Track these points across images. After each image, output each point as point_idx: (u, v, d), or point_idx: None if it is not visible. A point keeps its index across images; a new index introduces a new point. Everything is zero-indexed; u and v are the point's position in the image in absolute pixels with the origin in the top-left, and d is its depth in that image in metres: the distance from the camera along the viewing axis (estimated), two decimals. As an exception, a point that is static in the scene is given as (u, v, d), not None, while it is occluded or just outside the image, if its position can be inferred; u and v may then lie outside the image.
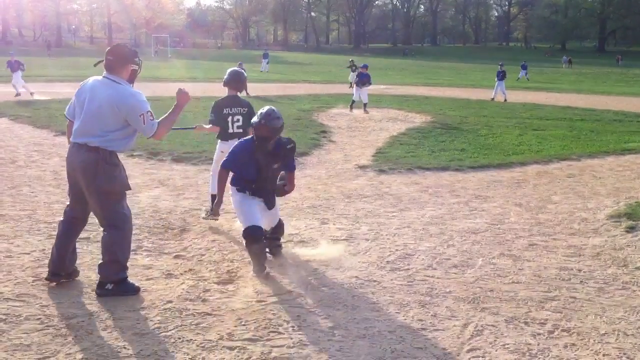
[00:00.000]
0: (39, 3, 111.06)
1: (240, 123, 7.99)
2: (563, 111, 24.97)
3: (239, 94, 8.30)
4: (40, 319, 5.03)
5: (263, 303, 5.53)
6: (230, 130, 8.02)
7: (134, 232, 7.46)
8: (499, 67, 30.95)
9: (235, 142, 7.79)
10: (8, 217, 7.97)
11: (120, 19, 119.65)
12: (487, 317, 5.36)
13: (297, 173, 11.40)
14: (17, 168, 11.06)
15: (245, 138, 6.68)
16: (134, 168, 11.39)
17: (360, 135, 16.86)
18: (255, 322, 5.12)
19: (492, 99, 30.02)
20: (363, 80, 22.92)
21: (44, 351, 4.53)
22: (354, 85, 23.75)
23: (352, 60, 38.17)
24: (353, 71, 36.10)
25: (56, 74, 36.78)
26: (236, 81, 8.20)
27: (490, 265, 6.72)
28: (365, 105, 22.82)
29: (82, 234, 7.26)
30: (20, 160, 11.69)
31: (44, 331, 4.83)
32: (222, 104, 8.11)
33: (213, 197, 7.99)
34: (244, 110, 8.03)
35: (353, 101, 22.92)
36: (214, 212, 7.11)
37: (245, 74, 25.11)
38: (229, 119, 7.99)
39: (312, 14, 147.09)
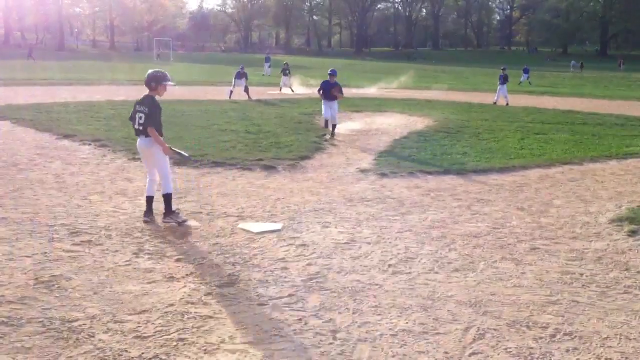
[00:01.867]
0: (41, 6, 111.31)
1: (142, 121, 8.06)
2: (565, 115, 24.95)
3: (157, 97, 8.29)
4: (41, 321, 5.03)
5: (264, 306, 5.53)
6: (135, 127, 8.13)
7: (135, 235, 7.50)
8: (501, 71, 30.95)
9: (143, 139, 8.10)
10: (10, 219, 7.98)
11: (122, 22, 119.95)
12: (488, 320, 5.36)
13: (299, 176, 11.51)
14: (19, 171, 11.07)
15: None
16: (136, 171, 11.40)
17: (362, 139, 16.85)
18: (256, 326, 5.12)
19: (494, 102, 30.02)
20: (330, 90, 17.12)
21: (45, 354, 4.52)
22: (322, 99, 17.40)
23: (286, 63, 37.40)
24: (285, 75, 35.61)
25: (59, 77, 36.84)
26: (148, 82, 8.20)
27: (492, 269, 6.72)
28: (334, 127, 17.22)
29: (84, 237, 7.32)
30: (22, 163, 11.70)
31: (46, 334, 4.83)
32: (136, 101, 8.31)
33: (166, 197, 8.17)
34: (145, 109, 8.07)
35: (326, 120, 17.47)
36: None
37: (247, 76, 24.57)
38: (136, 115, 8.11)
39: (314, 17, 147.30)
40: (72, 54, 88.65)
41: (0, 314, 5.13)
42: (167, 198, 8.14)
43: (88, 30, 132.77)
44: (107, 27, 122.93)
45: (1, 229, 7.56)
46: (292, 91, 34.07)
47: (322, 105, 17.31)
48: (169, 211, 8.14)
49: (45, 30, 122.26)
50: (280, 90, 34.32)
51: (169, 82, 8.22)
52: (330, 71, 17.29)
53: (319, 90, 17.40)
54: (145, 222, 8.13)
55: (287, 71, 35.61)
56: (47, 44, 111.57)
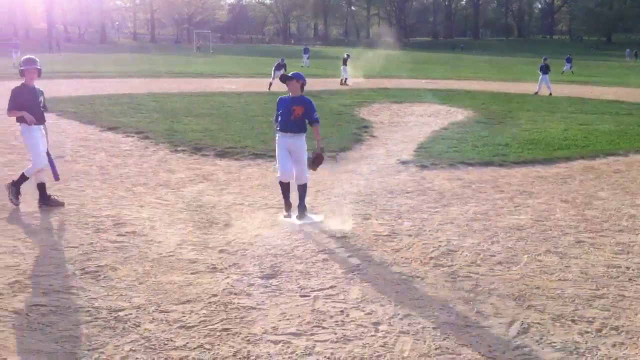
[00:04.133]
0: (83, 0, 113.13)
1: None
2: (609, 105, 24.48)
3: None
4: (89, 311, 5.14)
5: (307, 298, 5.56)
6: None
7: (179, 225, 7.59)
8: (543, 60, 30.50)
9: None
10: (56, 211, 8.15)
11: (162, 15, 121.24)
12: (533, 314, 5.30)
13: (339, 168, 11.49)
14: (64, 163, 11.27)
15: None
16: (178, 163, 11.53)
17: (402, 130, 16.77)
18: (298, 317, 5.14)
19: (536, 92, 29.62)
20: (290, 112, 8.11)
21: (92, 342, 4.61)
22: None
23: (347, 55, 35.94)
24: (345, 65, 34.85)
25: (101, 70, 37.41)
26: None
27: (536, 262, 6.64)
28: (302, 191, 8.30)
29: (128, 228, 7.44)
30: (67, 156, 11.91)
31: (93, 323, 4.92)
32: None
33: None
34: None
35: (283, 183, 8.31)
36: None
37: (286, 67, 23.68)
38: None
39: (353, 8, 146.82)
40: (114, 47, 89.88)
41: (49, 303, 5.26)
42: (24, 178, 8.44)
43: (129, 23, 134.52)
44: (147, 21, 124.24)
45: (49, 220, 7.73)
46: (343, 83, 33.70)
47: (277, 147, 8.27)
48: (16, 184, 8.41)
49: (87, 24, 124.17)
50: (343, 82, 33.90)
51: (28, 66, 8.31)
52: (293, 75, 8.28)
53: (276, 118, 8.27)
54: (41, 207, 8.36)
55: (346, 62, 35.02)
56: (89, 38, 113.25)
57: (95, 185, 9.69)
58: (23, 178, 8.40)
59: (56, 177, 8.56)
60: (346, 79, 34.13)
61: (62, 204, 8.39)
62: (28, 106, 8.24)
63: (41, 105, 8.43)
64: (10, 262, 6.21)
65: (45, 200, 8.39)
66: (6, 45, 47.75)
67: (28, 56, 8.54)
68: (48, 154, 8.47)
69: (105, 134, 14.54)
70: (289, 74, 8.33)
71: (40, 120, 8.37)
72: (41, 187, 8.44)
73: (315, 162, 8.12)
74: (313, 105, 8.19)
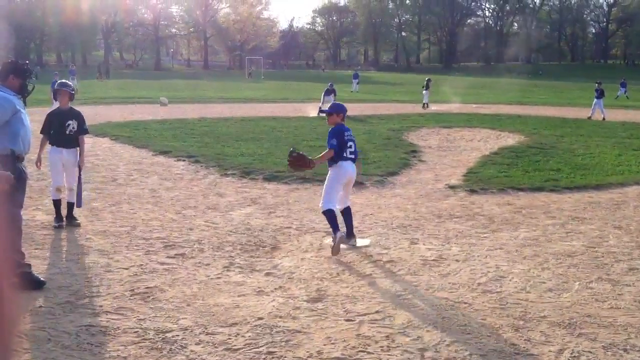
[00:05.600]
0: (139, 27, 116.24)
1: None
2: (666, 130, 23.85)
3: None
4: (137, 332, 5.21)
5: (352, 322, 5.53)
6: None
7: (227, 248, 7.67)
8: (597, 85, 29.99)
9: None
10: (108, 233, 8.33)
11: (215, 42, 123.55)
12: (583, 342, 5.17)
13: (386, 192, 11.46)
14: (117, 186, 11.53)
15: None
16: (227, 187, 11.67)
17: (451, 155, 16.65)
18: (343, 341, 5.12)
19: (589, 117, 29.10)
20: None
21: (140, 363, 4.68)
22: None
23: (429, 79, 36.55)
24: (426, 89, 35.29)
25: (155, 96, 38.21)
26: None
27: (588, 290, 6.48)
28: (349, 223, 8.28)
29: (177, 250, 7.55)
30: (120, 179, 12.18)
31: (140, 344, 4.99)
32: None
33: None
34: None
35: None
36: None
37: (336, 93, 23.95)
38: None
39: (403, 33, 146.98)
40: (167, 73, 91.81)
41: (99, 324, 5.36)
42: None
43: (183, 50, 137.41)
44: (201, 47, 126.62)
45: (101, 242, 7.90)
46: (425, 106, 34.06)
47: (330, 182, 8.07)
48: (56, 213, 8.68)
49: (142, 51, 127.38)
50: (425, 106, 34.34)
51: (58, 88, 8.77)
52: (331, 109, 8.40)
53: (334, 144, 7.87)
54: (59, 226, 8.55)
55: (427, 86, 35.38)
56: (144, 64, 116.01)
57: (146, 208, 9.87)
58: (53, 203, 8.72)
59: (79, 204, 8.78)
60: (427, 103, 34.48)
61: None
62: (53, 129, 8.66)
63: (69, 129, 8.60)
64: (63, 283, 6.36)
65: (60, 219, 8.62)
66: (63, 72, 49.22)
67: (60, 80, 8.90)
68: (79, 179, 8.77)
69: (157, 157, 14.82)
70: (327, 109, 8.52)
71: (63, 144, 8.63)
72: (56, 204, 8.69)
73: (292, 157, 7.91)
74: (330, 133, 7.93)
